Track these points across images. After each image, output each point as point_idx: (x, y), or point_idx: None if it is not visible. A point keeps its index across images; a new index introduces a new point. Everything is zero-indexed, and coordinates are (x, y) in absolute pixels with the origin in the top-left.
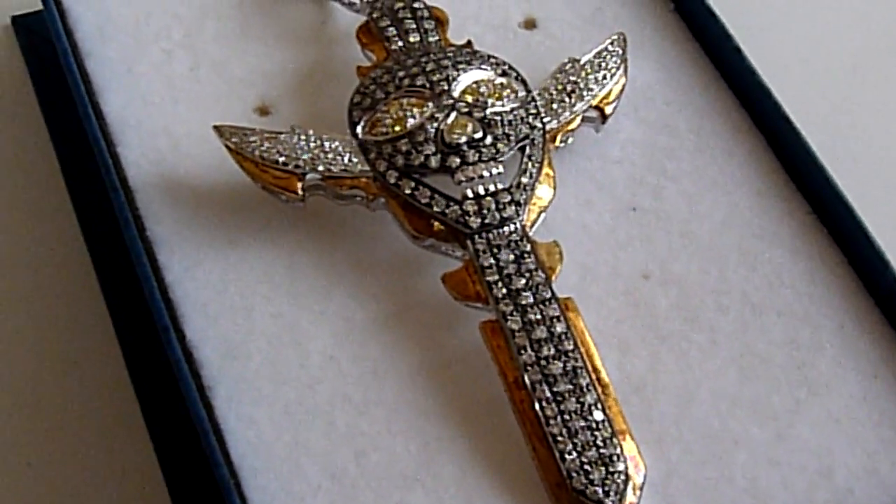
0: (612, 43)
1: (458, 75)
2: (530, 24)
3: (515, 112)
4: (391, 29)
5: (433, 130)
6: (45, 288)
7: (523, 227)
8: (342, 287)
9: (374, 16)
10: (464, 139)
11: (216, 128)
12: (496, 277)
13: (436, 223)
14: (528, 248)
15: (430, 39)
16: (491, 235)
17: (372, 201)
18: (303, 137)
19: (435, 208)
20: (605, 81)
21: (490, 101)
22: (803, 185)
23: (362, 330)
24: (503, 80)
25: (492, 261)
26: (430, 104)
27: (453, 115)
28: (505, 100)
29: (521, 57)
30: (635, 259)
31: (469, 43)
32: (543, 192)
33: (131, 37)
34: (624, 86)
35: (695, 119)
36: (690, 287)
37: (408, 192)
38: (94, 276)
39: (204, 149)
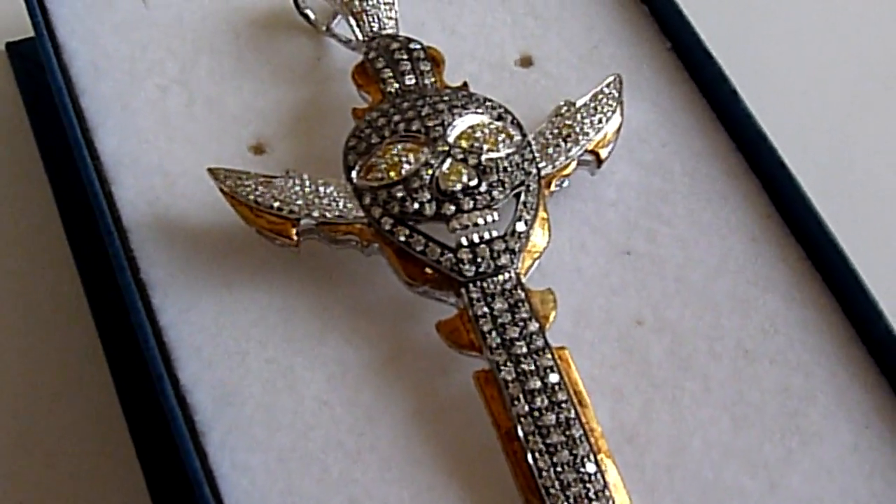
0: (607, 85)
1: (454, 120)
2: (526, 62)
3: (511, 158)
4: (387, 70)
5: (428, 177)
6: (38, 325)
7: (518, 274)
8: (336, 331)
9: (370, 56)
10: (459, 186)
11: (211, 171)
12: (490, 327)
13: (430, 270)
14: (523, 296)
15: (426, 81)
16: (485, 284)
17: (366, 247)
18: (297, 182)
19: (429, 256)
20: (600, 125)
21: (485, 146)
22: (798, 231)
23: (356, 375)
24: (499, 124)
25: (486, 310)
26: (426, 150)
27: (448, 161)
28: (500, 145)
29: (516, 95)
30: (629, 304)
31: (465, 85)
32: (538, 239)
33: (126, 72)
34: (619, 129)
35: (690, 161)
36: (684, 333)
37: (402, 239)
38: (89, 313)
39: (199, 188)
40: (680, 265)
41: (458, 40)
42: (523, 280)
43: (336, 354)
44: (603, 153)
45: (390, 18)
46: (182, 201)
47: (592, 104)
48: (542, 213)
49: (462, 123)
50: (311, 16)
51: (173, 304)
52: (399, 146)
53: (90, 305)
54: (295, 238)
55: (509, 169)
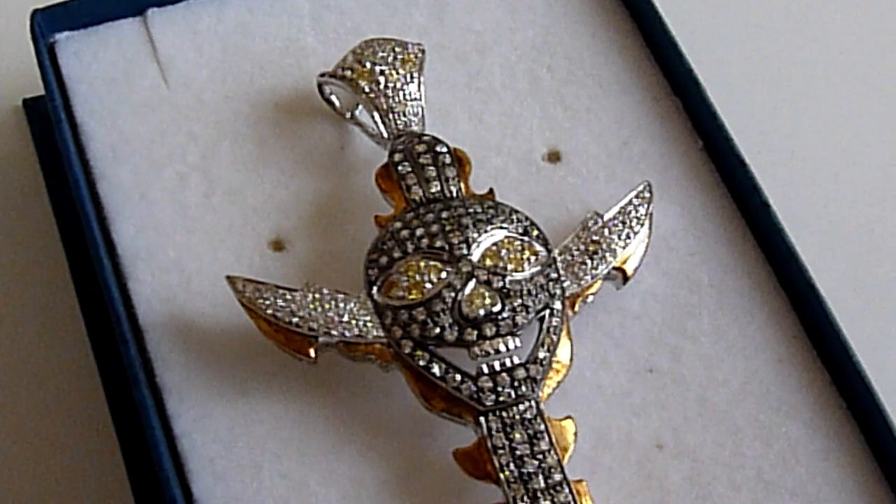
0: (637, 195)
1: (478, 237)
2: (554, 157)
3: (535, 279)
4: (411, 176)
5: (451, 300)
6: (52, 415)
7: (538, 403)
8: (352, 446)
9: (395, 159)
10: (482, 312)
11: (229, 279)
12: (508, 459)
13: (449, 396)
14: (542, 427)
15: (452, 189)
16: (505, 413)
17: (386, 366)
18: (317, 296)
19: (449, 383)
20: (628, 240)
21: (510, 266)
22: (824, 354)
23: (371, 494)
24: (524, 240)
25: (504, 441)
26: (449, 269)
27: (472, 284)
28: (525, 264)
29: (543, 193)
30: (649, 426)
31: (491, 192)
32: (559, 365)
33: (145, 157)
34: (648, 245)
35: (717, 273)
36: (704, 460)
37: (422, 364)
38: (105, 404)
39: (216, 287)
40: (703, 385)
41: (484, 130)
42: (543, 407)
43: (351, 471)
44: (630, 269)
45: (416, 114)
46: (198, 300)
47: (621, 217)
48: (565, 336)
49: (487, 240)
50: (336, 103)
51: (188, 411)
52: (421, 263)
53: (106, 395)
54: (313, 356)
55: (533, 292)
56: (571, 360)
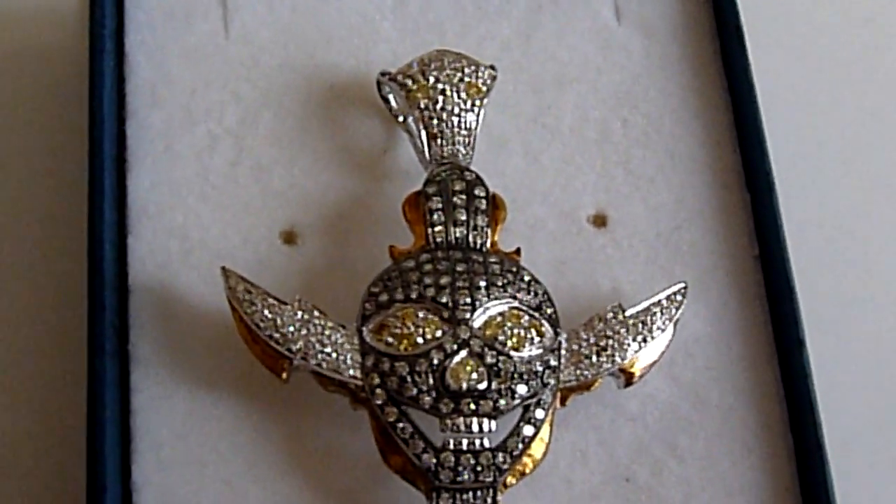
0: (668, 297)
1: (487, 302)
2: (600, 222)
3: (532, 363)
4: (440, 214)
5: (437, 364)
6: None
7: (495, 493)
8: (302, 473)
9: (429, 191)
10: (464, 387)
11: (224, 271)
12: None
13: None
14: None
15: (478, 240)
16: (458, 495)
17: (354, 407)
18: (305, 316)
19: (411, 449)
20: (644, 344)
21: (509, 343)
22: None
23: None
24: (533, 316)
25: None
26: (445, 328)
27: (463, 353)
28: (527, 343)
29: (575, 257)
30: None
31: (517, 252)
32: (530, 459)
33: (182, 107)
34: (664, 352)
35: (729, 396)
36: None
37: (390, 420)
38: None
39: (214, 266)
40: None
41: (536, 172)
42: (500, 498)
43: (294, 498)
44: (636, 374)
45: (466, 145)
46: (193, 274)
47: (643, 317)
48: (544, 432)
49: (494, 308)
50: (392, 103)
51: (150, 388)
52: (420, 314)
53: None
54: (284, 377)
55: (525, 377)
56: (545, 455)
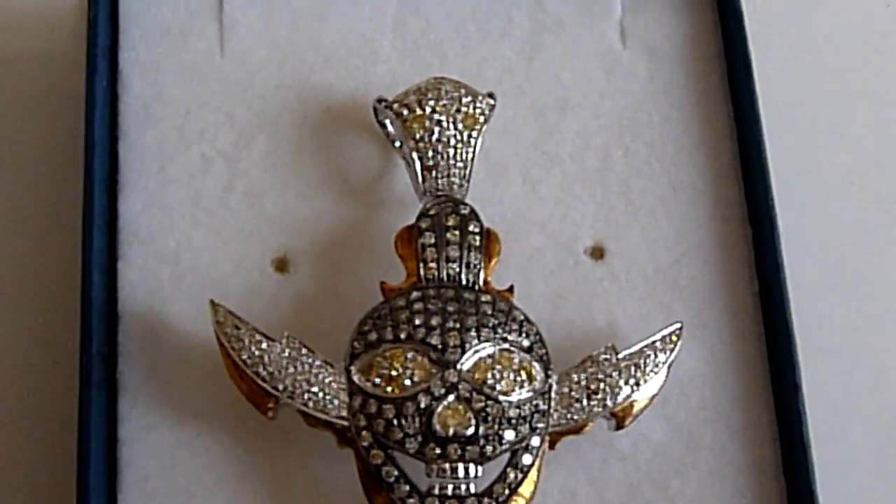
0: (662, 339)
1: (477, 343)
2: (598, 254)
3: (521, 408)
4: (432, 251)
5: (424, 407)
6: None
7: None
8: None
9: (422, 226)
10: (451, 432)
11: (213, 304)
12: None
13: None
14: None
15: (470, 277)
16: None
17: (340, 446)
18: (293, 354)
19: (396, 493)
20: (636, 388)
21: (499, 387)
22: None
23: None
24: (524, 358)
25: None
26: (434, 371)
27: (451, 397)
28: (516, 387)
29: (571, 289)
30: None
31: (510, 290)
32: (520, 498)
33: (176, 127)
34: (656, 395)
35: (722, 438)
36: None
37: (375, 462)
38: None
39: (203, 296)
40: None
41: (535, 201)
42: None
43: None
44: (627, 419)
45: (461, 177)
46: (183, 302)
47: (636, 359)
48: (531, 478)
49: (484, 350)
50: (389, 129)
51: (137, 418)
52: (409, 355)
53: None
54: (270, 416)
55: (514, 422)
56: (533, 495)
